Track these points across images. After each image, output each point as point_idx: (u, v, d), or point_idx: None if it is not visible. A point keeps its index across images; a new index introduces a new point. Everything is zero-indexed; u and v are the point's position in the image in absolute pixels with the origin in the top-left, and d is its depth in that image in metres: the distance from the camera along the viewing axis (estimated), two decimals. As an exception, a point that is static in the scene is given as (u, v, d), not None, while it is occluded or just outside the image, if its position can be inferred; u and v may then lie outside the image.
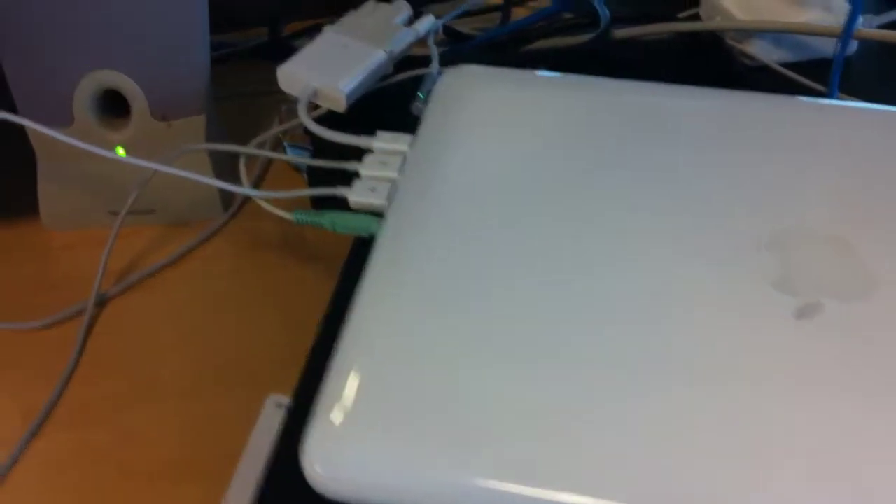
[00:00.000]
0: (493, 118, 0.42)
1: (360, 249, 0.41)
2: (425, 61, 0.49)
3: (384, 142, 0.42)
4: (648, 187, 0.38)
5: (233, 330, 0.44)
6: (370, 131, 0.46)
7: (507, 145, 0.40)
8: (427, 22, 0.50)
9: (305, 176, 0.50)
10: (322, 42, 0.47)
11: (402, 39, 0.48)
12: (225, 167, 0.50)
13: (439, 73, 0.46)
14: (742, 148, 0.40)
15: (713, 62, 0.57)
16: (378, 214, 0.39)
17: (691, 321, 0.33)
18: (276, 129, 0.48)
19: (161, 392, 0.41)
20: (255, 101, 0.55)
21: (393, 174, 0.40)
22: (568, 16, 0.62)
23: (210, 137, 0.48)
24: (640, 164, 0.39)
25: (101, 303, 0.45)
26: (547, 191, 0.38)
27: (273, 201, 0.42)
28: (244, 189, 0.43)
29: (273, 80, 0.46)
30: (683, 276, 0.34)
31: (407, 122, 0.45)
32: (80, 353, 0.43)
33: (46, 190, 0.48)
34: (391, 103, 0.48)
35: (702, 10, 0.61)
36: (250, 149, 0.46)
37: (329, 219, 0.39)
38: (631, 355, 0.32)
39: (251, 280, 0.46)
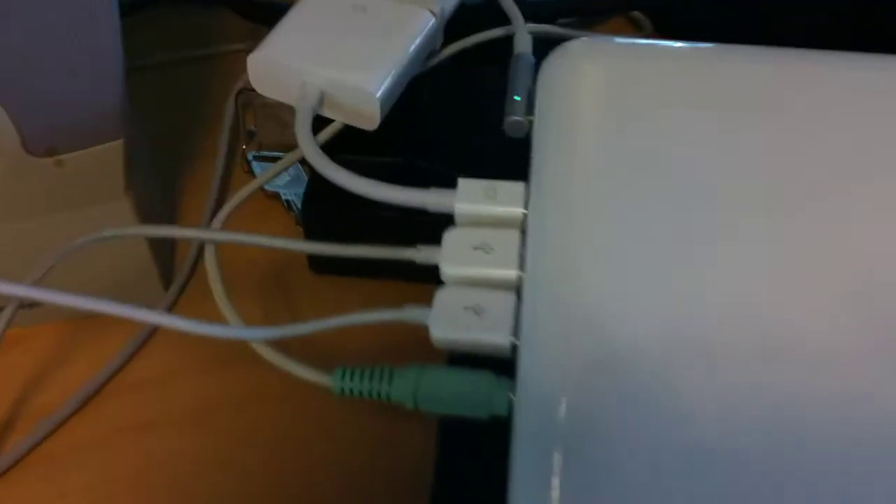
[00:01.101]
0: (652, 132, 0.23)
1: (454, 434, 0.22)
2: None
3: (475, 201, 0.22)
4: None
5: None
6: (402, 155, 0.26)
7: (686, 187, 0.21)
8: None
9: (297, 215, 0.31)
10: (320, 3, 0.27)
11: (455, -13, 0.28)
12: (163, 218, 0.30)
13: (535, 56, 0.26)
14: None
15: None
16: (498, 360, 0.20)
17: None
18: (254, 185, 0.27)
19: None
20: (196, 70, 0.35)
21: (509, 271, 0.21)
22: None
23: (136, 176, 0.27)
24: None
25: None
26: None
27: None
28: (240, 330, 0.23)
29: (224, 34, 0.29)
30: None
31: (482, 138, 0.26)
32: None
33: None
34: (437, 98, 0.28)
35: None
36: (216, 232, 0.26)
37: (404, 387, 0.20)
38: None
39: (225, 425, 0.27)
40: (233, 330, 0.22)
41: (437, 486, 0.21)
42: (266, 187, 0.32)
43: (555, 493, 0.18)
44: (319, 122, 0.26)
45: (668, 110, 0.23)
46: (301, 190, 0.30)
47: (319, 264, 0.30)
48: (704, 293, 0.20)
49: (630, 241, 0.20)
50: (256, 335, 0.22)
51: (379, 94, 0.25)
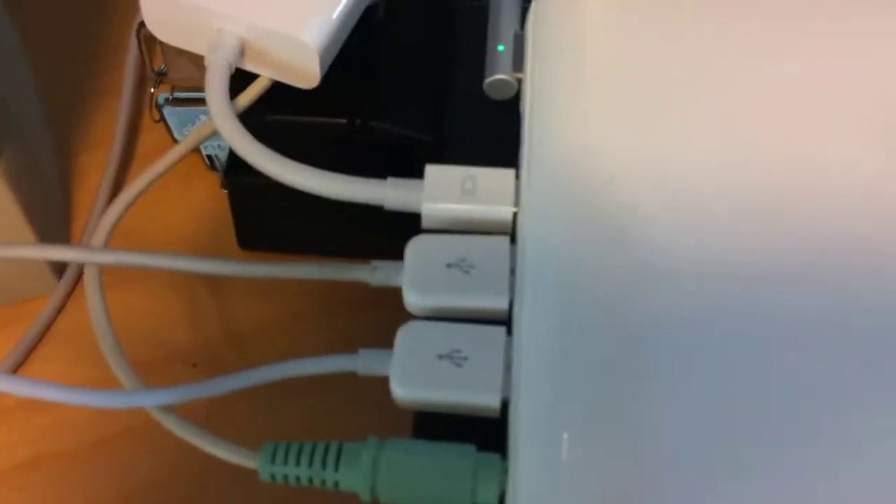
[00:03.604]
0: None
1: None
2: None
3: (447, 198, 0.17)
4: None
5: None
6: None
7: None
8: None
9: (221, 175, 0.25)
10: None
11: None
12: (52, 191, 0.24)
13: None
14: None
15: None
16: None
17: None
18: (141, 184, 0.20)
19: None
20: None
21: (496, 300, 0.16)
22: None
23: (8, 138, 0.21)
24: None
25: None
26: None
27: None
28: (124, 395, 0.18)
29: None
30: None
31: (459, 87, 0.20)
32: None
33: None
34: (397, 36, 0.23)
35: None
36: (96, 252, 0.20)
37: (357, 472, 0.15)
38: None
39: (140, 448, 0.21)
40: (113, 396, 0.17)
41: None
42: (181, 138, 0.26)
43: None
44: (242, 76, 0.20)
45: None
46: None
47: (249, 240, 0.25)
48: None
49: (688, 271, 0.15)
50: (149, 400, 0.16)
51: (318, 44, 0.19)
